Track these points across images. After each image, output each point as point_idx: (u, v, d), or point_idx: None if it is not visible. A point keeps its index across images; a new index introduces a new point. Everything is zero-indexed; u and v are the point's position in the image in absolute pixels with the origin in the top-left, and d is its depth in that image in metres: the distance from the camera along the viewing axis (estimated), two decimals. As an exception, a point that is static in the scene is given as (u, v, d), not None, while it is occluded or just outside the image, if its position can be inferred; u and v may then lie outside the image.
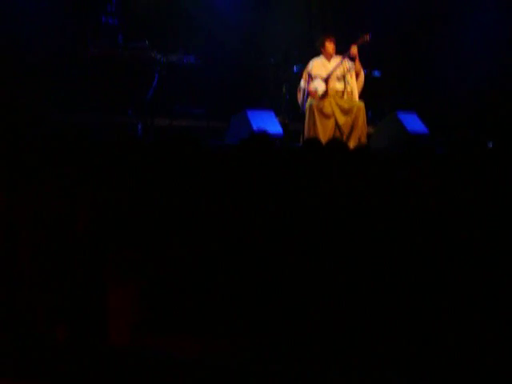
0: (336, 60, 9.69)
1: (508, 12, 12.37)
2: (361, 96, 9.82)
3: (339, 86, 9.68)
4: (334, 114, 9.44)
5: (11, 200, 3.48)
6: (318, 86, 9.58)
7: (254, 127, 9.05)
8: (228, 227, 3.39)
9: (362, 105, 9.52)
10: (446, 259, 3.38)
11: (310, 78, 9.64)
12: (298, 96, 9.83)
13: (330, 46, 9.66)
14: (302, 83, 9.73)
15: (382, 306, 3.31)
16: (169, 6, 12.49)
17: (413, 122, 9.96)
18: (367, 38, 9.63)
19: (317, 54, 9.95)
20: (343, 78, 9.68)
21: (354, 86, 9.72)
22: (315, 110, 9.42)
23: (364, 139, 9.48)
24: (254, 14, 12.71)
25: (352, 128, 9.46)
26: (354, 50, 9.53)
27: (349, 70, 9.66)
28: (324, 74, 9.62)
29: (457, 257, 3.39)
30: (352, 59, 9.62)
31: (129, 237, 3.35)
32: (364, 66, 10.06)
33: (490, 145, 8.79)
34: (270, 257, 3.31)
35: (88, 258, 3.37)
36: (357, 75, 9.69)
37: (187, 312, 3.21)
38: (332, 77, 9.64)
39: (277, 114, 10.05)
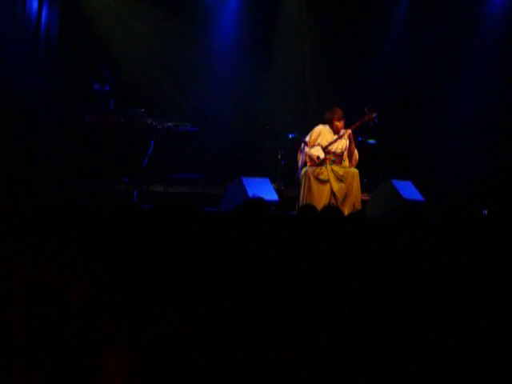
0: (341, 132, 9.78)
1: (499, 86, 12.57)
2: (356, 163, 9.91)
3: (336, 157, 9.75)
4: (329, 181, 9.47)
5: (5, 268, 3.47)
6: (319, 153, 9.64)
7: (250, 194, 9.07)
8: (224, 295, 3.37)
9: (356, 171, 9.58)
10: (441, 327, 3.36)
11: (307, 144, 9.69)
12: (299, 157, 9.86)
13: (338, 124, 9.75)
14: (303, 146, 9.75)
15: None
16: (165, 74, 12.65)
17: (408, 190, 10.00)
18: (372, 116, 9.74)
19: (313, 121, 10.07)
20: (340, 154, 9.77)
21: (347, 162, 9.79)
22: (311, 177, 9.46)
23: (358, 205, 9.51)
24: (249, 81, 12.87)
25: (346, 194, 9.49)
26: (349, 133, 9.66)
27: (346, 147, 9.77)
28: (324, 144, 9.69)
29: (452, 326, 3.37)
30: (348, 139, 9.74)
31: (123, 306, 3.32)
32: (360, 133, 10.17)
33: (485, 213, 8.82)
34: (266, 328, 3.28)
35: (82, 327, 3.34)
36: (350, 155, 9.77)
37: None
38: (331, 147, 9.72)
39: (272, 181, 10.08)
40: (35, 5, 11.84)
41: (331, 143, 9.72)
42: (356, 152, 9.84)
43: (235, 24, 13.27)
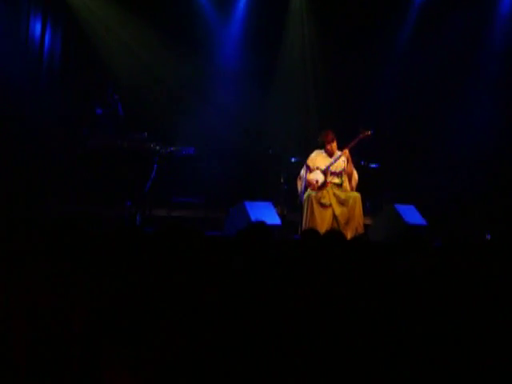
0: (337, 154, 9.80)
1: (501, 108, 12.58)
2: (358, 187, 9.91)
3: (337, 179, 9.76)
4: (331, 205, 9.47)
5: (7, 292, 3.46)
6: (318, 177, 9.66)
7: (253, 218, 9.06)
8: (225, 319, 3.36)
9: (358, 196, 9.59)
10: (442, 351, 3.35)
11: (309, 169, 9.73)
12: (298, 184, 9.90)
13: (330, 148, 9.79)
14: (303, 172, 9.81)
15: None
16: (167, 98, 12.67)
17: (411, 214, 9.97)
18: (368, 134, 9.77)
19: (315, 145, 10.08)
20: (340, 173, 9.78)
21: (347, 183, 9.79)
22: (314, 201, 9.47)
23: (361, 229, 9.50)
24: (252, 106, 12.90)
25: (349, 218, 9.49)
26: (346, 152, 9.68)
27: (344, 169, 9.78)
28: (323, 167, 9.72)
29: (453, 349, 3.36)
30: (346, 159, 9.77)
31: (124, 330, 3.31)
32: (362, 157, 10.17)
33: (488, 237, 8.81)
34: (267, 351, 3.26)
35: (83, 351, 3.33)
36: (349, 176, 9.78)
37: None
38: (330, 171, 9.73)
39: (275, 205, 10.07)
40: (38, 29, 11.92)
41: (329, 166, 9.73)
42: (355, 172, 9.86)
43: (238, 48, 13.33)
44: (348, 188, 9.79)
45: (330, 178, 9.74)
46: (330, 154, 9.84)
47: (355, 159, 10.10)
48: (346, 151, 9.72)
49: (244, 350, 3.24)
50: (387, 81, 13.19)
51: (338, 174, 9.79)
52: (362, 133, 9.81)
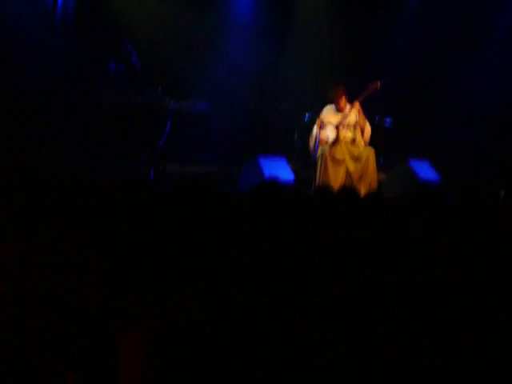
0: (347, 108, 9.75)
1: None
2: (372, 142, 9.87)
3: (349, 134, 9.72)
4: (345, 161, 9.46)
5: (22, 250, 3.48)
6: (330, 133, 9.62)
7: (266, 174, 9.07)
8: (239, 277, 3.37)
9: (371, 151, 9.57)
10: (456, 311, 3.34)
11: (321, 125, 9.68)
12: (310, 142, 9.86)
13: (339, 100, 9.72)
14: (315, 130, 9.77)
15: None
16: (182, 53, 12.59)
17: (425, 170, 9.95)
18: (377, 85, 9.70)
19: (328, 100, 10.02)
20: (353, 126, 9.72)
21: (360, 137, 9.75)
22: (327, 157, 9.44)
23: (374, 185, 9.50)
24: (266, 61, 12.81)
25: (362, 174, 9.48)
26: (357, 105, 9.62)
27: (356, 122, 9.73)
28: (335, 122, 9.68)
29: (467, 309, 3.35)
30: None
31: (139, 287, 3.33)
32: (376, 112, 10.10)
33: (502, 193, 8.79)
34: (278, 312, 3.27)
35: (97, 314, 3.36)
36: (362, 129, 9.72)
37: (198, 367, 3.16)
38: (342, 125, 9.69)
39: (289, 161, 10.06)
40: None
41: (340, 121, 9.69)
42: (368, 124, 9.80)
43: (252, 3, 13.22)
44: (361, 142, 9.76)
45: (342, 133, 9.70)
46: (341, 109, 9.79)
47: (368, 115, 10.04)
48: (357, 104, 9.67)
49: (255, 309, 3.25)
50: (401, 35, 13.07)
51: (351, 128, 9.75)
52: (371, 85, 9.75)
